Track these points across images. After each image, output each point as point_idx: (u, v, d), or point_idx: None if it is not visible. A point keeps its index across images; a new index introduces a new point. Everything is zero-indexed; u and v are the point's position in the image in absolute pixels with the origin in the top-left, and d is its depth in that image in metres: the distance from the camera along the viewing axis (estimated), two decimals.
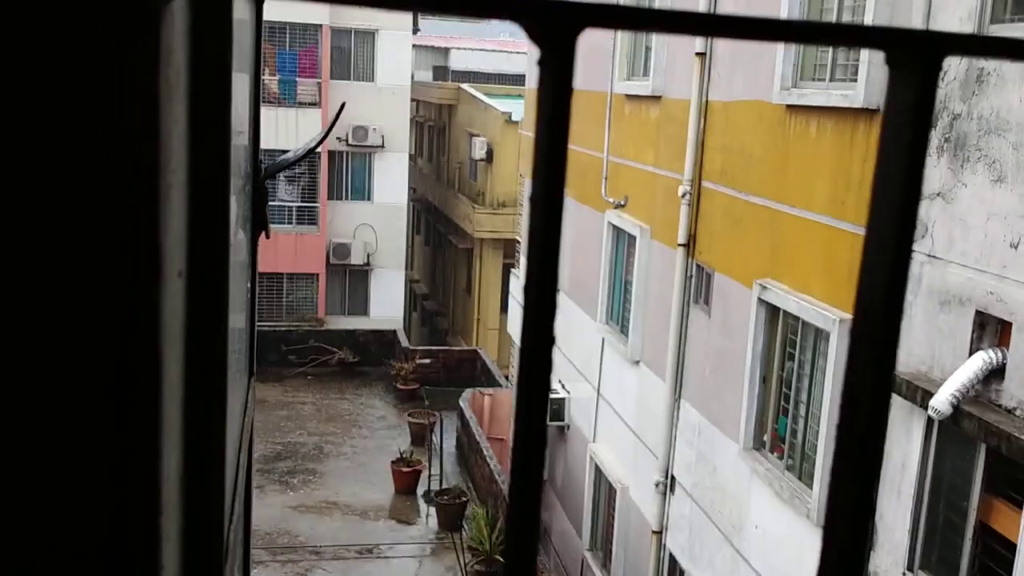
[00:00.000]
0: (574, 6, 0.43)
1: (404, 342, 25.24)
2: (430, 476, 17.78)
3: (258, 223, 1.60)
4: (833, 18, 8.26)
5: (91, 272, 0.46)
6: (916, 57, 0.47)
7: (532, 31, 0.43)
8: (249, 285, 1.66)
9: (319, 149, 25.54)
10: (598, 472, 13.45)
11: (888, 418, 0.52)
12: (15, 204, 0.45)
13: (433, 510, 17.10)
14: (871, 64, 7.43)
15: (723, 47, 10.10)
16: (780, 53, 8.74)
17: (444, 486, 17.47)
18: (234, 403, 1.28)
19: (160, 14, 0.45)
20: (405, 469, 17.87)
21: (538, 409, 0.47)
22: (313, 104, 25.86)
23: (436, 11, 0.44)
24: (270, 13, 24.37)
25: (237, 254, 1.33)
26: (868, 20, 7.47)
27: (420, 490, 17.97)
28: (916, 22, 6.93)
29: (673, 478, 11.10)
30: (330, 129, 2.84)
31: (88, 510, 0.52)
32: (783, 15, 8.68)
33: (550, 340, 0.49)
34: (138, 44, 0.44)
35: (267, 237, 1.71)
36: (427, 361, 23.37)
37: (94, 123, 0.45)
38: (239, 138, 1.40)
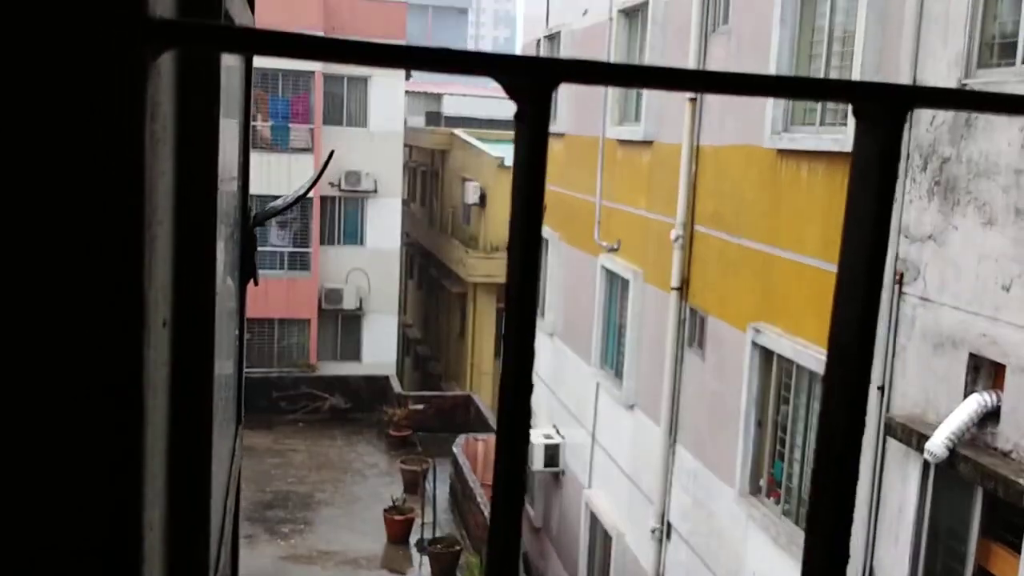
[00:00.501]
0: (548, 62, 0.44)
1: (397, 388, 25.13)
2: (423, 524, 17.59)
3: (247, 270, 1.58)
4: (822, 63, 8.36)
5: (74, 322, 0.46)
6: (881, 109, 0.48)
7: (509, 86, 0.43)
8: (237, 332, 1.64)
9: (311, 194, 25.63)
10: (593, 519, 13.32)
11: (859, 464, 0.51)
12: None
13: (426, 559, 16.89)
14: None
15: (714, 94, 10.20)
16: (771, 98, 8.82)
17: (437, 534, 17.27)
18: (221, 450, 1.26)
19: (147, 70, 0.44)
20: (398, 517, 17.68)
21: (519, 449, 0.46)
22: (306, 150, 26.01)
23: (417, 68, 0.44)
24: (262, 60, 24.59)
25: (225, 302, 1.31)
26: (857, 65, 7.56)
27: (413, 539, 17.76)
28: (904, 67, 7.02)
29: (669, 524, 11.00)
30: (319, 176, 2.84)
31: (69, 560, 0.51)
32: (772, 61, 8.79)
33: (528, 387, 0.48)
34: (125, 99, 0.44)
35: (255, 284, 1.69)
36: (420, 407, 23.24)
37: (79, 176, 0.44)
38: (228, 185, 1.39)
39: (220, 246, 1.30)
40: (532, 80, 0.46)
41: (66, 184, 0.44)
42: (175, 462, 0.71)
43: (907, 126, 5.79)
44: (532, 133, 0.46)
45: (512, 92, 0.46)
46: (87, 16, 0.43)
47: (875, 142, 0.49)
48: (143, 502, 0.53)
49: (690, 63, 10.42)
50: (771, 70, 8.82)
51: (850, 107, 0.53)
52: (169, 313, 0.65)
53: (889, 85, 0.51)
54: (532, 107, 0.46)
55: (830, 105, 8.31)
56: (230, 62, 1.19)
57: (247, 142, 1.66)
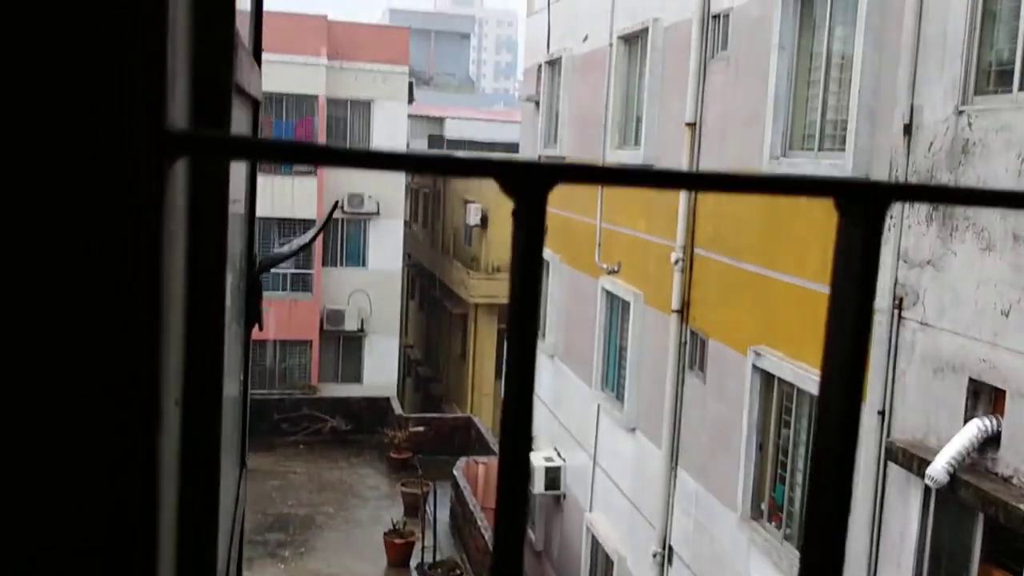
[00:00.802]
0: (544, 166, 0.47)
1: (398, 409, 25.08)
2: (423, 548, 17.52)
3: (252, 317, 1.61)
4: (820, 89, 8.42)
5: (92, 407, 0.48)
6: (863, 205, 0.51)
7: (507, 187, 0.46)
8: (242, 378, 1.67)
9: (313, 215, 25.69)
10: (595, 543, 13.28)
11: (850, 501, 0.54)
12: (21, 339, 0.47)
13: None
14: (858, 134, 7.55)
15: (713, 117, 10.26)
16: (769, 123, 8.89)
17: (438, 558, 17.20)
18: (225, 499, 1.29)
19: (165, 177, 0.47)
20: (398, 541, 17.61)
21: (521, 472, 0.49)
22: (309, 173, 26.10)
23: (421, 172, 0.47)
24: (267, 84, 24.71)
25: (232, 351, 1.34)
26: (854, 91, 7.61)
27: (413, 562, 17.68)
28: (901, 93, 7.07)
29: (671, 548, 10.96)
30: (324, 226, 2.88)
31: None
32: (771, 86, 8.85)
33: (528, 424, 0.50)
34: (144, 206, 0.47)
35: (260, 329, 1.72)
36: (420, 429, 23.19)
37: (100, 277, 0.47)
38: (236, 234, 1.42)
39: (229, 295, 1.33)
40: (529, 182, 0.49)
41: (87, 284, 0.47)
42: (183, 530, 0.73)
43: (927, 146, 5.77)
44: (528, 231, 0.49)
45: (510, 192, 0.49)
46: (111, 129, 0.46)
47: (858, 236, 0.52)
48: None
49: (689, 89, 10.49)
50: (769, 96, 8.88)
51: (832, 201, 0.55)
52: (180, 392, 0.68)
53: (870, 182, 0.54)
54: (528, 207, 0.49)
55: (828, 130, 8.37)
56: (238, 116, 1.23)
57: (254, 187, 1.69)
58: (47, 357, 0.47)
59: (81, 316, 0.47)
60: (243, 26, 1.47)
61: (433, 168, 0.49)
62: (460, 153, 0.48)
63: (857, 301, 0.53)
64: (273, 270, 26.42)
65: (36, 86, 0.45)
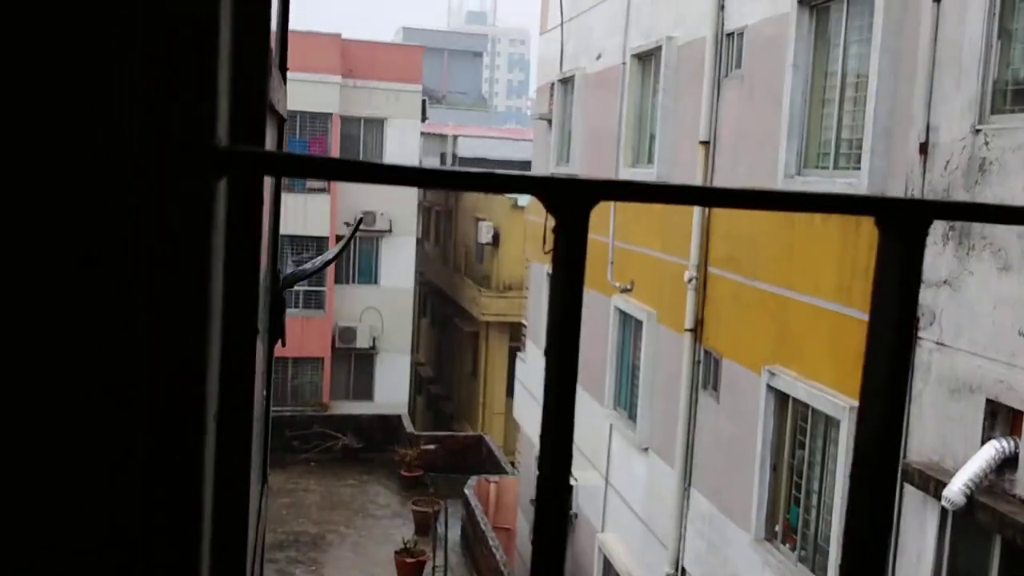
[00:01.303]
0: (587, 183, 0.47)
1: (409, 427, 25.06)
2: (434, 567, 17.45)
3: (275, 333, 1.61)
4: (835, 108, 8.41)
5: (141, 422, 0.48)
6: (904, 222, 0.51)
7: (550, 204, 0.46)
8: (265, 393, 1.66)
9: (327, 233, 25.78)
10: (607, 563, 13.19)
11: (891, 532, 0.53)
12: (73, 355, 0.47)
13: None
14: (874, 153, 7.53)
15: (727, 135, 10.26)
16: (784, 141, 8.88)
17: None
18: (251, 516, 1.28)
19: (214, 191, 0.48)
20: (409, 560, 17.55)
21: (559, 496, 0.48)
22: (322, 190, 26.22)
23: (461, 189, 0.47)
24: None
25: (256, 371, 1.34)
26: (870, 110, 7.60)
27: None
28: (918, 112, 7.05)
29: (683, 569, 10.88)
30: (348, 242, 2.89)
31: None
32: (785, 106, 8.84)
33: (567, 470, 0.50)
34: (195, 220, 0.47)
35: (283, 346, 1.72)
36: (432, 447, 23.16)
37: (154, 291, 0.47)
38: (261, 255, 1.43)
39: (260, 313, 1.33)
40: (572, 199, 0.48)
41: (137, 299, 0.47)
42: (216, 544, 0.73)
43: (943, 165, 5.73)
44: (569, 247, 0.49)
45: (553, 210, 0.49)
46: (164, 146, 0.47)
47: (898, 253, 0.52)
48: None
49: (703, 108, 10.50)
50: (784, 115, 8.87)
51: (873, 219, 0.55)
52: (216, 407, 0.68)
53: (911, 200, 0.54)
54: (571, 224, 0.48)
55: (843, 149, 8.35)
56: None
57: (278, 204, 1.70)
58: (99, 375, 0.48)
59: (130, 331, 0.47)
60: (272, 44, 1.48)
61: (474, 185, 0.49)
62: (502, 171, 0.48)
63: (898, 318, 0.52)
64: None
65: (97, 102, 0.46)
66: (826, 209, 0.55)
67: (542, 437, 0.50)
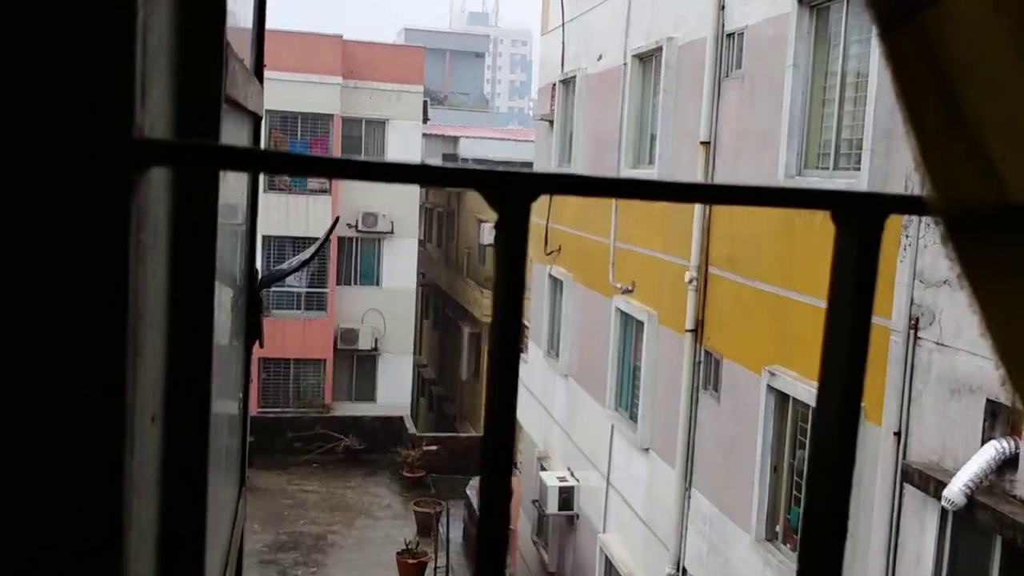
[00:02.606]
0: (527, 176, 0.46)
1: (411, 428, 25.06)
2: (436, 568, 17.45)
3: (252, 333, 1.60)
4: (835, 107, 8.39)
5: (57, 426, 0.47)
6: (859, 217, 0.51)
7: (491, 198, 0.45)
8: (242, 395, 1.65)
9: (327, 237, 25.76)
10: (608, 563, 13.18)
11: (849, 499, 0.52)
12: None
13: None
14: (874, 153, 7.52)
15: (727, 136, 10.25)
16: (784, 141, 8.87)
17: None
18: (221, 518, 1.27)
19: (132, 186, 0.46)
20: (411, 561, 17.55)
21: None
22: (323, 191, 26.23)
23: (399, 182, 0.46)
24: (282, 103, 24.95)
25: (229, 368, 1.33)
26: (870, 109, 7.58)
27: None
28: None
29: (684, 570, 10.87)
30: (323, 242, 2.89)
31: None
32: (785, 105, 8.83)
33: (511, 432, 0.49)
34: (108, 216, 0.46)
35: (261, 346, 1.71)
36: (434, 448, 23.16)
37: (64, 287, 0.46)
38: (236, 250, 1.41)
39: (227, 309, 1.32)
40: (513, 193, 0.48)
41: (49, 293, 0.46)
42: (167, 548, 0.71)
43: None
44: (510, 241, 0.48)
45: (493, 203, 0.48)
46: (75, 138, 0.45)
47: (853, 246, 0.51)
48: None
49: (703, 108, 10.49)
50: (784, 114, 8.86)
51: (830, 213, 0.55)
52: (159, 409, 0.67)
53: (867, 193, 0.53)
54: (512, 218, 0.48)
55: (843, 149, 8.34)
56: (233, 137, 1.22)
57: (255, 205, 1.69)
58: (7, 368, 0.46)
59: (43, 326, 0.46)
60: (244, 43, 1.47)
61: (413, 178, 0.48)
62: (441, 163, 0.47)
63: (854, 313, 0.52)
64: (287, 289, 26.53)
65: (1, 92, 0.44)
66: (781, 204, 0.55)
67: (484, 438, 0.49)
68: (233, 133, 1.15)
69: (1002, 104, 0.44)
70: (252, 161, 0.44)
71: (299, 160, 0.45)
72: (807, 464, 0.58)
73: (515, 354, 0.49)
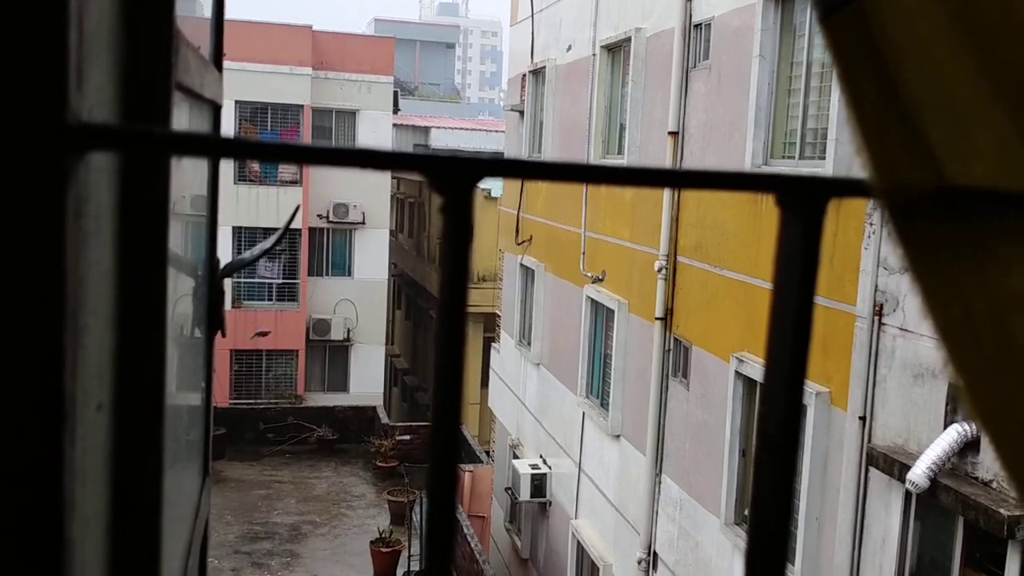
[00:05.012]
0: (469, 161, 0.48)
1: (384, 418, 25.02)
2: (410, 556, 17.48)
3: (214, 322, 1.61)
4: (801, 97, 8.47)
5: None
6: (803, 200, 0.51)
7: (434, 182, 0.47)
8: (204, 385, 1.66)
9: (299, 226, 25.65)
10: (580, 549, 13.27)
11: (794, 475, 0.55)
12: None
13: None
14: (839, 142, 7.61)
15: (695, 126, 10.31)
16: (751, 131, 8.94)
17: (424, 567, 17.13)
18: (182, 508, 1.28)
19: (67, 172, 0.47)
20: (384, 549, 17.56)
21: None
22: (294, 182, 26.07)
23: (343, 166, 0.47)
24: (252, 94, 24.75)
25: (189, 357, 1.34)
26: (834, 98, 7.67)
27: (400, 571, 17.63)
28: None
29: (655, 554, 10.97)
30: (284, 231, 2.89)
31: None
32: (752, 95, 8.90)
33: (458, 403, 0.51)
34: (41, 203, 0.46)
35: (223, 336, 1.72)
36: (407, 437, 23.15)
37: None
38: (196, 238, 1.43)
39: (187, 299, 1.33)
40: (455, 176, 0.49)
41: None
42: (119, 543, 0.72)
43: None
44: (455, 225, 0.49)
45: (436, 187, 0.50)
46: (4, 123, 0.46)
47: (798, 231, 0.52)
48: None
49: (672, 98, 10.55)
50: (751, 104, 8.93)
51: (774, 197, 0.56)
52: (107, 395, 0.67)
53: (810, 177, 0.55)
54: (455, 201, 0.49)
55: (808, 138, 8.42)
56: (193, 126, 1.23)
57: (216, 194, 1.70)
58: None
59: None
60: (201, 31, 1.47)
61: (356, 162, 0.49)
62: (383, 148, 0.49)
63: (798, 297, 0.53)
64: (259, 280, 26.36)
65: None
66: (727, 187, 0.56)
67: (431, 426, 0.51)
68: (189, 121, 1.15)
69: (939, 88, 0.44)
70: (191, 146, 0.46)
71: (239, 144, 0.47)
72: (755, 443, 0.59)
73: (460, 335, 0.51)
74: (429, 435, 0.52)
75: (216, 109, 1.55)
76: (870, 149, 0.49)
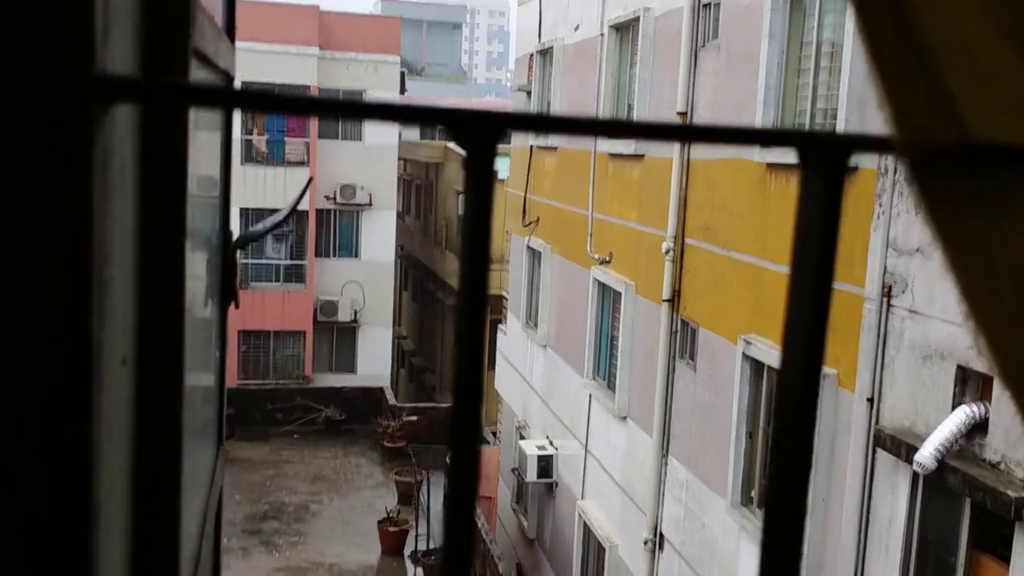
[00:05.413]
0: (493, 114, 0.47)
1: (391, 399, 25.11)
2: (417, 536, 17.57)
3: (227, 293, 1.62)
4: (810, 77, 8.42)
5: (22, 367, 0.47)
6: (825, 155, 0.51)
7: (457, 136, 0.46)
8: (218, 354, 1.67)
9: (307, 207, 25.66)
10: (587, 530, 13.32)
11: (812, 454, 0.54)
12: None
13: (420, 571, 16.86)
14: (848, 122, 7.56)
15: (704, 105, 10.26)
16: (760, 110, 8.89)
17: (432, 546, 17.26)
18: (199, 476, 1.28)
19: (95, 123, 0.47)
20: (392, 529, 17.66)
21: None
22: (301, 163, 26.05)
23: (364, 119, 0.47)
24: (259, 74, 24.68)
25: (201, 326, 1.34)
26: (844, 79, 7.62)
27: (407, 550, 17.73)
28: None
29: (662, 535, 11.01)
30: (297, 202, 2.90)
31: None
32: (761, 75, 8.85)
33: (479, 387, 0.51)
34: (71, 153, 0.46)
35: (236, 307, 1.73)
36: (414, 418, 23.23)
37: (25, 226, 0.47)
38: (209, 211, 1.43)
39: (201, 270, 1.34)
40: (479, 130, 0.49)
41: (10, 235, 0.46)
42: (140, 495, 0.73)
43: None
44: (478, 180, 0.49)
45: (460, 142, 0.50)
46: (34, 73, 0.46)
47: (821, 188, 0.52)
48: (95, 548, 0.54)
49: (680, 78, 10.49)
50: (760, 84, 8.88)
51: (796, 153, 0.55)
52: (130, 350, 0.68)
53: (833, 134, 0.54)
54: (479, 155, 0.49)
55: (818, 118, 8.38)
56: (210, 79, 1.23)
57: (229, 166, 1.70)
58: None
59: (7, 263, 0.46)
60: (215, 3, 1.47)
61: (379, 115, 0.49)
62: (407, 102, 0.48)
63: (819, 254, 0.52)
64: (266, 261, 26.39)
65: None
66: (750, 142, 0.56)
67: (453, 412, 0.51)
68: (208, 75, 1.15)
69: (956, 35, 0.44)
70: (214, 98, 0.45)
71: (265, 98, 0.46)
72: (773, 413, 0.57)
73: (483, 295, 0.50)
74: (452, 383, 0.52)
75: (229, 80, 1.55)
76: (890, 99, 0.49)
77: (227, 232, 1.65)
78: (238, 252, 1.76)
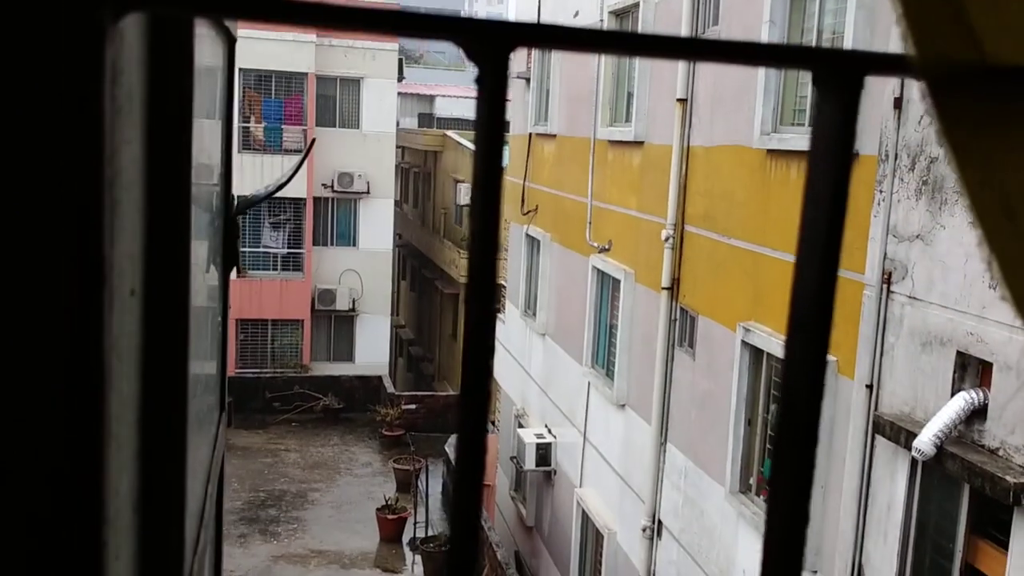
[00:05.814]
0: (506, 25, 0.46)
1: (390, 388, 25.12)
2: (416, 523, 17.61)
3: (230, 258, 1.61)
4: (815, 23, 8.37)
5: (31, 287, 0.47)
6: (840, 75, 0.49)
7: (468, 50, 0.45)
8: (220, 319, 1.66)
9: (304, 195, 25.61)
10: (585, 517, 13.35)
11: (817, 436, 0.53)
12: None
13: (419, 558, 16.90)
14: None
15: (704, 93, 10.24)
16: (760, 98, 8.87)
17: (430, 533, 17.29)
18: (200, 429, 1.27)
19: (105, 33, 0.46)
20: (390, 516, 17.69)
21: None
22: (299, 151, 25.98)
23: (372, 30, 0.45)
24: (256, 62, 24.62)
25: (207, 285, 1.33)
26: (849, 26, 7.57)
27: (406, 538, 17.77)
28: (894, 34, 7.04)
29: (660, 523, 11.03)
30: (300, 165, 2.88)
31: (26, 531, 0.50)
32: (761, 71, 8.80)
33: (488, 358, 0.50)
34: (81, 62, 0.45)
35: (239, 274, 1.72)
36: (412, 407, 23.25)
37: (33, 138, 0.46)
38: (210, 175, 1.41)
39: (204, 233, 1.32)
40: (491, 43, 0.47)
41: (20, 147, 0.46)
42: (148, 426, 0.72)
43: (918, 119, 5.75)
44: (490, 95, 0.48)
45: (472, 56, 0.48)
46: None
47: (836, 108, 0.51)
48: (104, 469, 0.53)
49: (680, 65, 10.46)
50: (760, 71, 8.85)
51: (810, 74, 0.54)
52: (139, 284, 0.67)
53: (848, 51, 0.53)
54: (491, 69, 0.47)
55: None
56: (212, 60, 1.21)
57: (230, 134, 1.69)
58: None
59: (17, 179, 0.46)
60: None
61: (388, 26, 0.47)
62: (416, 11, 0.46)
63: (834, 180, 0.51)
64: (264, 250, 26.35)
65: None
66: (757, 61, 0.54)
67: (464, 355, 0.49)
68: (212, 53, 1.14)
69: None
70: (223, 5, 0.44)
71: (270, 5, 0.45)
72: (781, 370, 0.57)
73: (496, 219, 0.49)
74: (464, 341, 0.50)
75: (232, 42, 1.53)
76: (910, 19, 0.47)
77: (229, 197, 1.64)
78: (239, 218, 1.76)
